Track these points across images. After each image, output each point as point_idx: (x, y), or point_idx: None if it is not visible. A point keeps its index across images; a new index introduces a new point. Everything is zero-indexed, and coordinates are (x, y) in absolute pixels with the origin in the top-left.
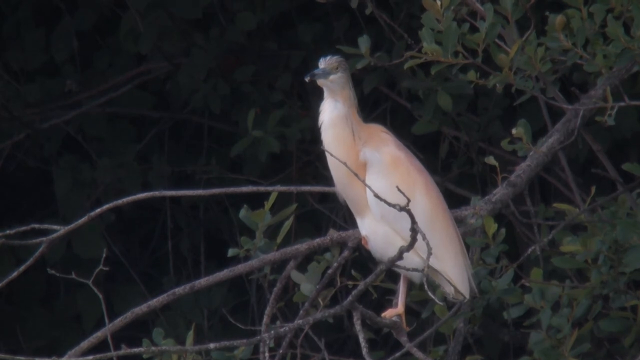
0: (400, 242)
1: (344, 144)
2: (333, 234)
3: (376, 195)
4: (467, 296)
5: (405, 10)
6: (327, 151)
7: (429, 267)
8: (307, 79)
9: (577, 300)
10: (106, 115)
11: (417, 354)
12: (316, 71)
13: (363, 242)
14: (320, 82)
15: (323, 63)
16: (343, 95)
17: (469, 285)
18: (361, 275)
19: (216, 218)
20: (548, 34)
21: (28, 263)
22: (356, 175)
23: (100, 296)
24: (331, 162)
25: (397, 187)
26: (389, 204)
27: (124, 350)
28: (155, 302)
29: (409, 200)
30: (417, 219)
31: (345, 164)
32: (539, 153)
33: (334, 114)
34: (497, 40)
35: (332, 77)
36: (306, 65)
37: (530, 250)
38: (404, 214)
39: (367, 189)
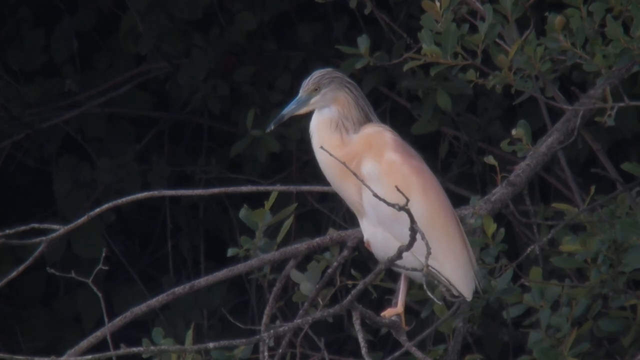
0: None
1: (328, 148)
2: (332, 233)
3: (375, 195)
4: (469, 298)
5: (405, 10)
6: (322, 149)
7: (428, 267)
8: (272, 127)
9: (577, 300)
10: (106, 116)
11: (416, 354)
12: (285, 110)
13: (366, 245)
14: (301, 112)
15: (301, 90)
16: (338, 103)
17: (473, 286)
18: (361, 274)
19: (216, 218)
20: (547, 34)
21: (27, 262)
22: (354, 173)
23: (100, 296)
24: (322, 165)
25: (396, 187)
26: (388, 203)
27: (123, 350)
28: (155, 301)
29: (407, 200)
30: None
31: (344, 163)
32: (538, 152)
33: (318, 120)
34: (496, 39)
35: (313, 100)
36: (306, 65)
37: (529, 249)
38: (401, 219)
39: (364, 193)
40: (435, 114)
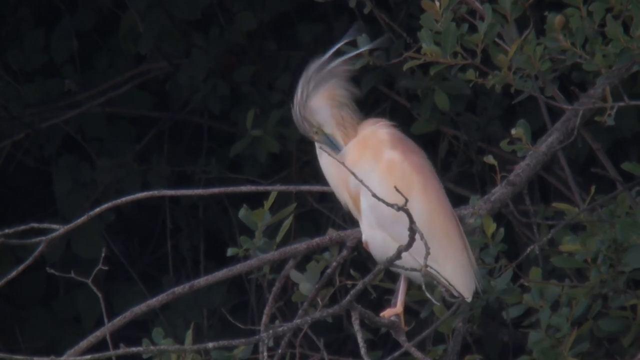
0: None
1: (331, 165)
2: (332, 233)
3: (374, 195)
4: (469, 298)
5: (404, 10)
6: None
7: (428, 268)
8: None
9: (577, 300)
10: (106, 116)
11: (415, 354)
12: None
13: (364, 246)
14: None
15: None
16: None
17: (473, 287)
18: (360, 274)
19: (216, 218)
20: (547, 34)
21: (27, 262)
22: (352, 173)
23: (100, 296)
24: (325, 175)
25: (395, 187)
26: (387, 204)
27: (123, 350)
28: (155, 301)
29: (406, 200)
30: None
31: (342, 163)
32: (538, 152)
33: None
34: (496, 39)
35: (330, 135)
36: (306, 65)
37: (529, 249)
38: (401, 220)
39: (363, 193)
40: (435, 113)
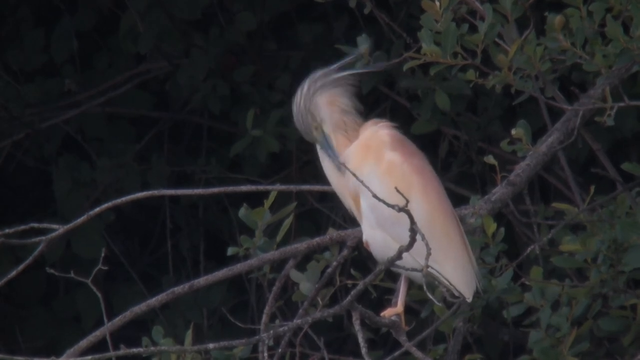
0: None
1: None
2: (332, 232)
3: (375, 196)
4: (470, 298)
5: (404, 10)
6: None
7: (429, 268)
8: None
9: (577, 299)
10: (106, 116)
11: (416, 354)
12: (332, 155)
13: (365, 245)
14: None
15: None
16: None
17: (473, 287)
18: (360, 274)
19: (215, 218)
20: (547, 34)
21: (27, 262)
22: (353, 174)
23: (100, 296)
24: (327, 171)
25: (396, 188)
26: (387, 204)
27: (123, 350)
28: (155, 301)
29: (407, 201)
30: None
31: (344, 165)
32: (538, 152)
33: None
34: (496, 39)
35: (328, 135)
36: (306, 65)
37: (529, 249)
38: (401, 221)
39: (363, 194)
40: (435, 113)
